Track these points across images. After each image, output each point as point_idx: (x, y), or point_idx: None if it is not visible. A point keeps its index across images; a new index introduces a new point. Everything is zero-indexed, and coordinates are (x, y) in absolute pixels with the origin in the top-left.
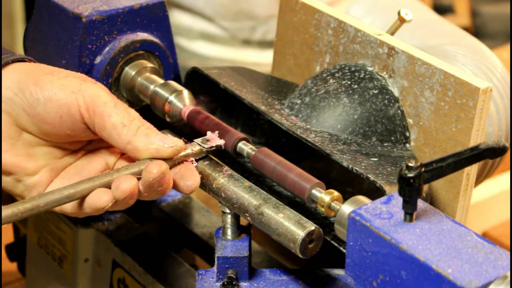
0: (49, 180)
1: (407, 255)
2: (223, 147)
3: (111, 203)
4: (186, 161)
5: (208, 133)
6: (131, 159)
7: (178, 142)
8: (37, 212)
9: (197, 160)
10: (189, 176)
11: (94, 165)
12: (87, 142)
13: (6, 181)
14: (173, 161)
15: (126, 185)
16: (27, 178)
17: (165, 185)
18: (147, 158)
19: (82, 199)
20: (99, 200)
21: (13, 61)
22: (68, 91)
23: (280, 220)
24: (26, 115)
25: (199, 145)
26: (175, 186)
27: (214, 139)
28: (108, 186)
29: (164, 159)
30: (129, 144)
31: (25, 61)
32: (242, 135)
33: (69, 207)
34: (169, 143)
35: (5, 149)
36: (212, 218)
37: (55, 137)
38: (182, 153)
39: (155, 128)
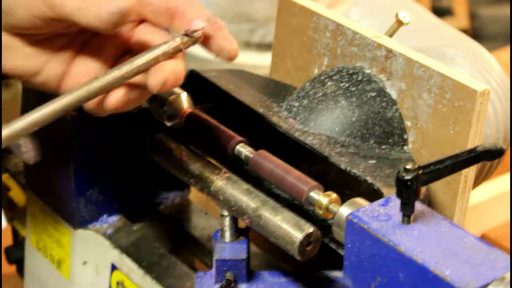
0: (61, 71)
1: (405, 257)
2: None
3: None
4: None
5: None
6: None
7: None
8: (62, 113)
9: (183, 49)
10: (225, 45)
11: (97, 62)
12: (73, 37)
13: (33, 80)
14: (157, 57)
15: (112, 100)
16: (35, 78)
17: (174, 81)
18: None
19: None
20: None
21: None
22: None
23: (278, 223)
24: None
25: (182, 35)
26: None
27: (193, 25)
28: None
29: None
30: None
31: None
32: (240, 137)
33: (89, 104)
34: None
35: (5, 58)
36: (210, 221)
37: (24, 29)
38: (164, 47)
39: None
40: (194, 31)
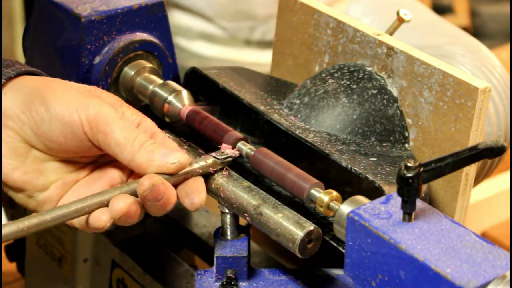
0: (60, 195)
1: (406, 255)
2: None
3: (109, 223)
4: (197, 175)
5: (224, 145)
6: (143, 174)
7: (182, 158)
8: (43, 227)
9: (214, 172)
10: (194, 193)
11: (105, 179)
12: (98, 155)
13: (19, 197)
14: (179, 176)
15: (120, 204)
16: (38, 194)
17: (161, 198)
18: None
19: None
20: (98, 220)
21: (26, 73)
22: (71, 109)
23: (279, 220)
24: (32, 134)
25: (213, 157)
26: (181, 202)
27: (227, 150)
28: None
29: (171, 175)
30: (132, 162)
31: (32, 74)
32: (240, 135)
33: (77, 222)
34: (172, 159)
35: (15, 166)
36: (211, 218)
37: (62, 153)
38: (195, 166)
39: (167, 139)
40: (229, 157)
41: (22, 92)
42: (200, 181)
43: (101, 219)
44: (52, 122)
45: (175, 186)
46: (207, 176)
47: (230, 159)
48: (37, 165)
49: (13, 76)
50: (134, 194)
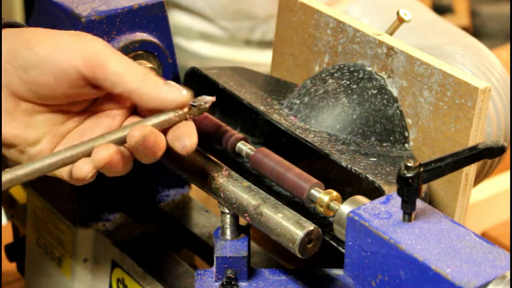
0: (52, 147)
1: (406, 255)
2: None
3: (91, 173)
4: (175, 122)
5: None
6: (137, 117)
7: (186, 94)
8: (31, 177)
9: (189, 118)
10: (186, 137)
11: (98, 129)
12: (90, 103)
13: (11, 153)
14: (163, 124)
15: (103, 153)
16: (30, 149)
17: (152, 147)
18: (154, 107)
19: None
20: (80, 170)
21: (5, 26)
22: (61, 48)
23: (279, 220)
24: (20, 82)
25: (190, 104)
26: (172, 147)
27: (204, 98)
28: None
29: (156, 122)
30: (135, 91)
31: (15, 26)
32: (240, 135)
33: (65, 174)
34: (177, 93)
35: (4, 122)
36: (211, 218)
37: (53, 99)
38: (173, 113)
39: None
40: (205, 102)
41: (6, 43)
42: (191, 125)
43: (83, 169)
44: (42, 64)
45: (164, 131)
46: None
47: (207, 105)
48: (27, 118)
49: None
50: (121, 142)
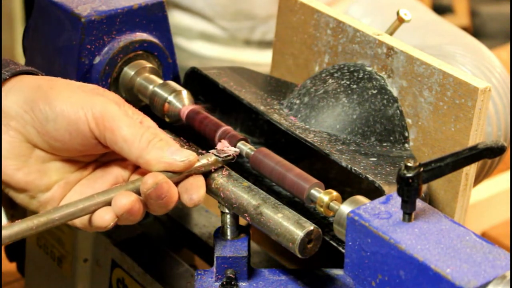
0: (62, 195)
1: (406, 255)
2: (236, 156)
3: (113, 222)
4: (199, 173)
5: (223, 141)
6: (146, 172)
7: (190, 156)
8: (51, 226)
9: (213, 171)
10: (193, 190)
11: (108, 178)
12: (101, 154)
13: (21, 197)
14: (184, 174)
15: (123, 201)
16: (41, 195)
17: (164, 197)
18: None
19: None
20: (101, 219)
21: (21, 73)
22: (77, 107)
23: (279, 220)
24: (36, 133)
25: (215, 155)
26: (180, 199)
27: (229, 148)
28: None
29: (175, 173)
30: (140, 158)
31: (33, 74)
32: (240, 135)
33: (79, 222)
34: (181, 157)
35: (17, 167)
36: (211, 218)
37: (66, 152)
38: (196, 164)
39: (169, 139)
40: (228, 156)
41: (24, 92)
42: (200, 179)
43: (105, 218)
44: (57, 120)
45: (176, 184)
46: (206, 174)
47: (231, 157)
48: (40, 165)
49: (7, 77)
50: (137, 192)
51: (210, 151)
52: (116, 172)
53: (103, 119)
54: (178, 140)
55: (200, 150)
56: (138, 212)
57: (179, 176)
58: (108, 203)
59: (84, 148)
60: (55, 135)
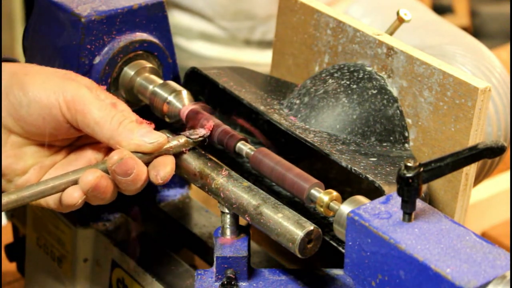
0: (38, 178)
1: (406, 255)
2: (207, 137)
3: (81, 199)
4: (169, 153)
5: (198, 128)
6: None
7: (160, 137)
8: (22, 203)
9: (185, 151)
10: (160, 166)
11: (81, 161)
12: (75, 138)
13: None
14: (154, 155)
15: (89, 177)
16: (17, 178)
17: (130, 173)
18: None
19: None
20: (70, 197)
21: None
22: (49, 92)
23: (279, 220)
24: (11, 118)
25: (186, 136)
26: (149, 177)
27: (199, 130)
28: None
29: (147, 154)
30: (111, 139)
31: (8, 61)
32: (240, 135)
33: (52, 202)
34: (151, 138)
35: None
36: (211, 218)
37: (40, 137)
38: (167, 145)
39: (141, 121)
40: (200, 136)
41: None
42: (168, 157)
43: (74, 195)
44: (31, 105)
45: (147, 164)
46: (179, 154)
47: (202, 139)
48: (16, 150)
49: None
50: (107, 172)
51: (181, 133)
52: (89, 155)
53: (74, 103)
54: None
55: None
56: (106, 189)
57: (149, 156)
58: (77, 182)
59: (57, 132)
60: (29, 120)
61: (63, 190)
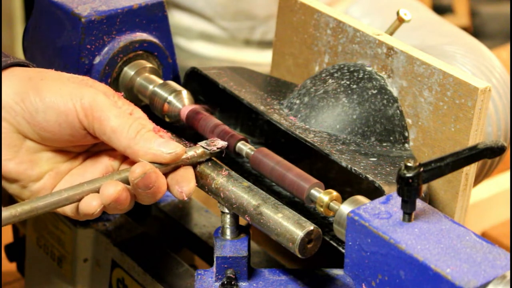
0: (53, 184)
1: (406, 255)
2: (225, 149)
3: (99, 208)
4: (187, 164)
5: (214, 137)
6: (135, 162)
7: (177, 148)
8: (35, 214)
9: (200, 163)
10: (184, 182)
11: (98, 168)
12: (91, 144)
13: (13, 187)
14: (172, 166)
15: (110, 190)
16: (32, 184)
17: (152, 186)
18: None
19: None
20: (88, 205)
21: (12, 65)
22: (66, 98)
23: (279, 220)
24: (26, 124)
25: (203, 147)
26: (170, 191)
27: (217, 141)
28: None
29: (164, 164)
30: (129, 149)
31: (24, 66)
32: (240, 135)
33: (69, 210)
34: (168, 149)
35: (9, 157)
36: (211, 218)
37: (56, 143)
38: (184, 156)
39: (159, 130)
40: (217, 148)
41: (15, 83)
42: (190, 171)
43: (92, 204)
44: (47, 111)
45: (165, 175)
46: (195, 166)
47: (219, 150)
48: (31, 155)
49: (9, 65)
50: (125, 182)
51: (198, 143)
52: (105, 162)
53: (92, 110)
54: (178, 140)
55: (190, 144)
56: (125, 201)
57: (166, 167)
58: (94, 192)
59: (73, 139)
60: (45, 125)
61: (78, 200)
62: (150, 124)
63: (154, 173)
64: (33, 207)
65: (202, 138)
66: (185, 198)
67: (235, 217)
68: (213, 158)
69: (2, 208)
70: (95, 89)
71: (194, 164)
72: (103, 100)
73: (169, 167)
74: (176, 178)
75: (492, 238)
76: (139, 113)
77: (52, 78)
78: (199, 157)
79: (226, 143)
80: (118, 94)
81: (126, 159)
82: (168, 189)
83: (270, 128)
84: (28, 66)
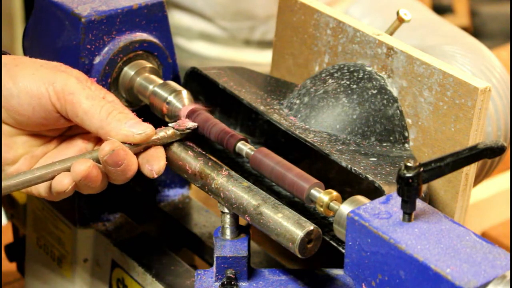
0: (29, 167)
1: (406, 255)
2: (196, 128)
3: (70, 186)
4: (158, 145)
5: (183, 118)
6: None
7: (147, 128)
8: (8, 192)
9: (172, 143)
10: (154, 161)
11: (72, 151)
12: (66, 128)
13: None
14: (142, 146)
15: (81, 167)
16: (7, 168)
17: (121, 164)
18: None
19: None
20: (60, 183)
21: None
22: (39, 83)
23: (279, 220)
24: (2, 108)
25: (173, 128)
26: (141, 170)
27: (188, 122)
28: None
29: (135, 144)
30: (101, 129)
31: (2, 54)
32: (240, 135)
33: (43, 190)
34: (139, 129)
35: None
36: (211, 218)
37: (31, 127)
38: (154, 137)
39: (129, 113)
40: (188, 128)
41: None
42: (160, 150)
43: (63, 182)
44: (21, 95)
45: (137, 155)
46: (166, 146)
47: (189, 131)
48: (7, 139)
49: None
50: (97, 161)
51: (169, 124)
52: (80, 145)
53: (64, 93)
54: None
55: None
56: (96, 178)
57: (137, 147)
58: (66, 171)
59: (47, 122)
60: (19, 109)
61: (50, 179)
62: (122, 107)
63: (122, 150)
64: (5, 185)
65: (202, 138)
66: (155, 176)
67: (235, 217)
68: (212, 157)
69: None
70: (68, 74)
71: (165, 144)
72: (75, 84)
73: (140, 147)
74: (147, 158)
75: (492, 238)
76: (111, 97)
77: (26, 65)
78: (170, 138)
79: (196, 124)
80: (91, 79)
81: (100, 141)
82: (139, 168)
83: (270, 128)
84: (5, 54)
